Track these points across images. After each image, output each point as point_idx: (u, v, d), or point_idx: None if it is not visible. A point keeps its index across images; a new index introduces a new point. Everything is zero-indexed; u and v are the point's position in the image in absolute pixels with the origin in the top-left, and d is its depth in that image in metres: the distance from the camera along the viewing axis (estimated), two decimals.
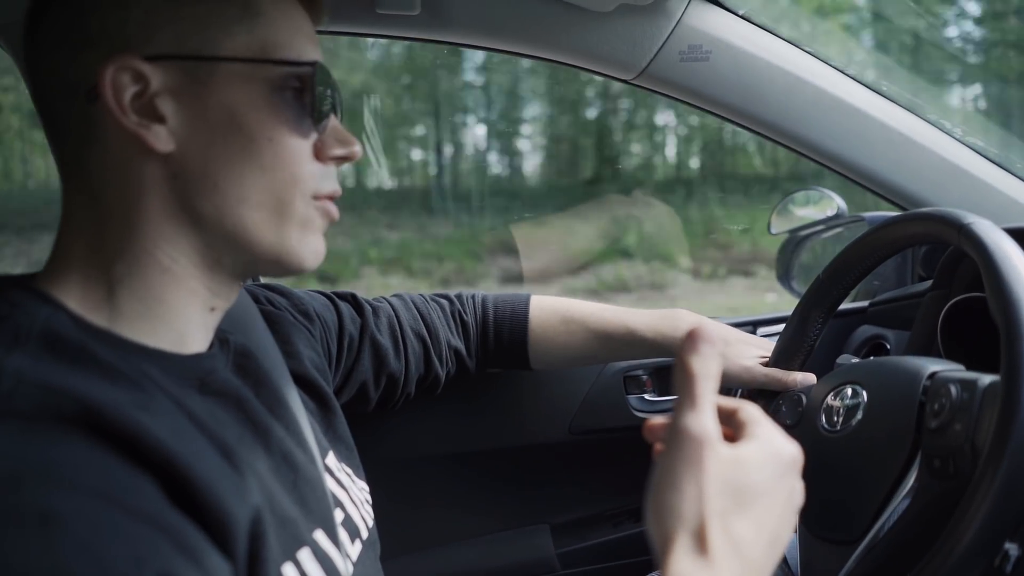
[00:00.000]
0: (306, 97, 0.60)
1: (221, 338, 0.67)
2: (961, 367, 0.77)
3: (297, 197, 0.61)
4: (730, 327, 1.07)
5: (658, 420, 0.55)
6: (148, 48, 0.55)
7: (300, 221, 0.61)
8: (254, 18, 0.58)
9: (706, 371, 0.48)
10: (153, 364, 0.56)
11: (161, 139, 0.56)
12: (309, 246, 0.63)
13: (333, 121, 0.64)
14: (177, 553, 0.46)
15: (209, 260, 0.60)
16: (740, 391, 1.24)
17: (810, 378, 0.97)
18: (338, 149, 0.64)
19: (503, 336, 1.09)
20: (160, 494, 0.48)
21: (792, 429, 0.91)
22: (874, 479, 0.76)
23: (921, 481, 0.72)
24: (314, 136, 0.62)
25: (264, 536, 0.54)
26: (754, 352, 1.03)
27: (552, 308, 1.09)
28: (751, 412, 0.53)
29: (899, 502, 0.73)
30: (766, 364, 1.01)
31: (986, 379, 0.68)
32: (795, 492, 0.52)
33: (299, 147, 0.61)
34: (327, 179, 0.64)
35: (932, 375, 0.75)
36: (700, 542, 0.46)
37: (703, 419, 0.48)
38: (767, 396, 0.99)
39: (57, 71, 0.57)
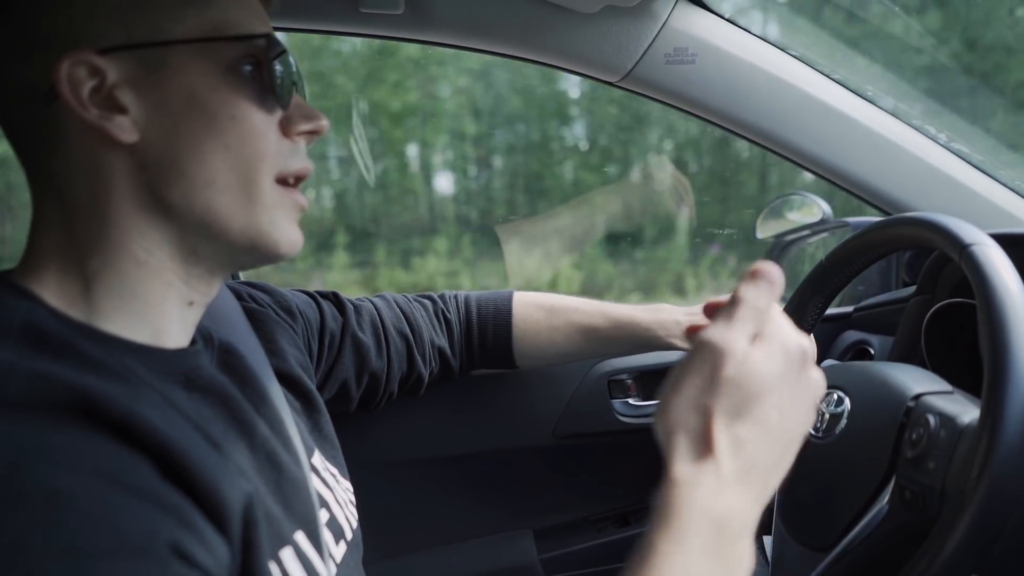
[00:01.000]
0: (264, 71, 0.60)
1: (205, 335, 0.66)
2: (945, 386, 0.76)
3: (264, 175, 0.60)
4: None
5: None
6: (99, 42, 0.54)
7: (269, 203, 0.60)
8: (201, 0, 0.58)
9: (754, 301, 0.50)
10: (137, 359, 0.55)
11: (125, 129, 0.55)
12: (283, 232, 0.62)
13: (297, 98, 0.63)
14: (182, 528, 0.47)
15: (184, 251, 0.59)
16: None
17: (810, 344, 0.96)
18: (304, 124, 0.63)
19: (487, 333, 1.08)
20: (158, 475, 0.48)
21: None
22: (850, 493, 0.76)
23: (892, 505, 0.72)
24: (279, 112, 0.61)
25: (256, 523, 0.54)
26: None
27: (536, 303, 1.09)
28: (756, 304, 0.51)
29: (870, 520, 0.73)
30: None
31: (965, 418, 0.68)
32: (807, 386, 0.52)
33: (263, 123, 0.60)
34: (296, 156, 0.63)
35: (916, 397, 0.74)
36: (704, 443, 0.48)
37: (731, 334, 0.50)
38: None
39: (12, 77, 0.56)
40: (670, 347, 1.06)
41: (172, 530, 0.46)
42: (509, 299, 1.09)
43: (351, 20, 1.06)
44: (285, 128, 0.62)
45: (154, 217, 0.58)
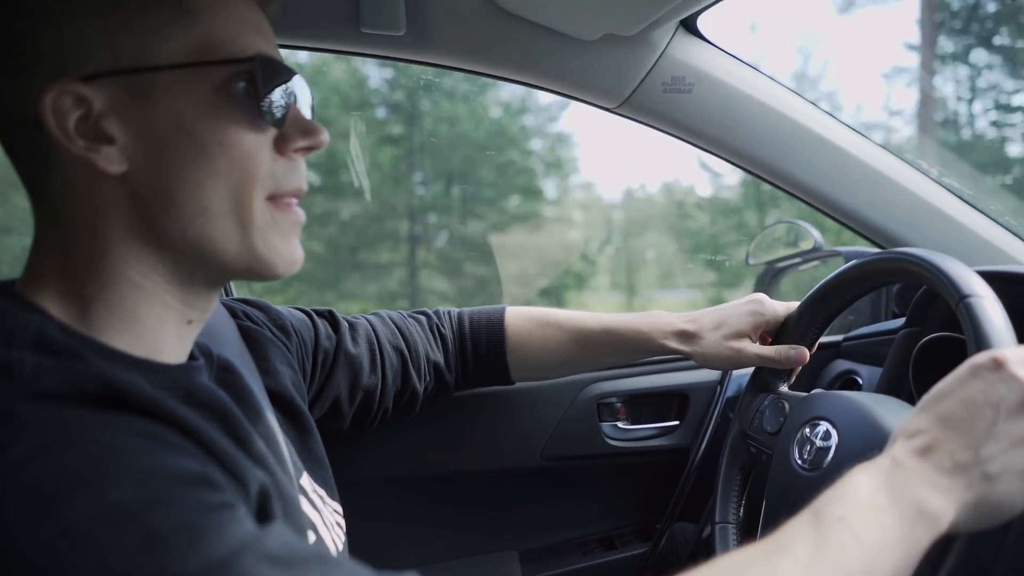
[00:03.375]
0: (253, 93, 0.58)
1: (204, 351, 0.66)
2: None
3: (255, 199, 0.58)
4: (713, 311, 1.03)
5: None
6: (86, 68, 0.54)
7: (262, 225, 0.59)
8: (189, 17, 0.56)
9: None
10: (141, 374, 0.55)
11: (112, 161, 0.55)
12: (278, 252, 0.61)
13: (295, 111, 0.62)
14: (212, 477, 0.49)
15: (180, 275, 0.59)
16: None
17: (802, 354, 0.97)
18: (301, 140, 0.61)
19: (481, 346, 1.08)
20: (189, 443, 0.51)
21: (773, 437, 0.92)
22: None
23: None
24: (272, 131, 0.60)
25: (270, 514, 0.55)
26: (743, 325, 1.00)
27: (527, 315, 1.08)
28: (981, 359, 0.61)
29: None
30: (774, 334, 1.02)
31: None
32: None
33: (254, 145, 0.58)
34: (291, 174, 0.61)
35: None
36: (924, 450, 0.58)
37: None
38: (774, 374, 1.00)
39: (4, 99, 0.55)
40: (663, 350, 1.03)
41: (205, 469, 0.49)
42: (501, 312, 1.09)
43: (352, 40, 1.06)
44: (280, 146, 0.60)
45: (148, 244, 0.57)
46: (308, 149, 0.62)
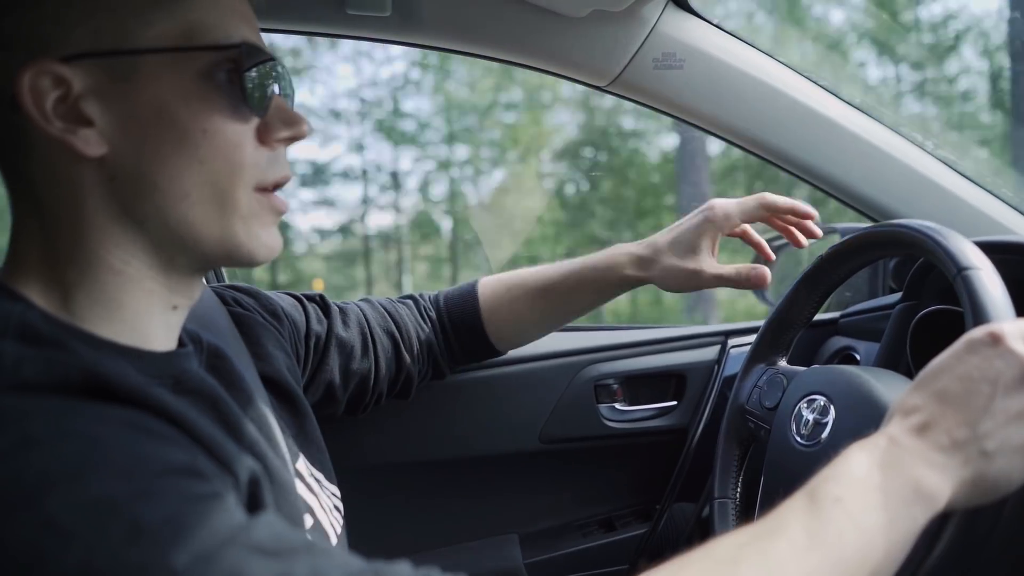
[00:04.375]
0: (237, 81, 0.57)
1: (194, 337, 0.66)
2: None
3: (240, 188, 0.58)
4: (669, 229, 1.00)
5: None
6: (66, 48, 0.53)
7: (245, 214, 0.59)
8: (173, 2, 0.55)
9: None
10: (128, 361, 0.54)
11: (91, 143, 0.54)
12: (259, 239, 0.61)
13: (278, 100, 0.61)
14: (199, 466, 0.48)
15: (162, 260, 0.59)
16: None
17: (761, 273, 0.94)
18: (284, 131, 0.61)
19: (458, 322, 1.07)
20: (175, 432, 0.50)
21: (771, 412, 0.92)
22: None
23: None
24: (255, 120, 0.59)
25: (261, 502, 0.54)
26: (696, 239, 0.96)
27: (498, 281, 1.08)
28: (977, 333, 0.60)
29: None
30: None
31: None
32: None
33: (238, 134, 0.58)
34: (275, 165, 0.61)
35: None
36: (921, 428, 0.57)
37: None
38: (772, 347, 0.99)
39: None
40: (624, 281, 1.00)
41: (193, 458, 0.49)
42: (474, 285, 1.08)
43: (337, 22, 1.05)
44: (263, 136, 0.60)
45: (128, 228, 0.56)
46: (290, 139, 0.62)
